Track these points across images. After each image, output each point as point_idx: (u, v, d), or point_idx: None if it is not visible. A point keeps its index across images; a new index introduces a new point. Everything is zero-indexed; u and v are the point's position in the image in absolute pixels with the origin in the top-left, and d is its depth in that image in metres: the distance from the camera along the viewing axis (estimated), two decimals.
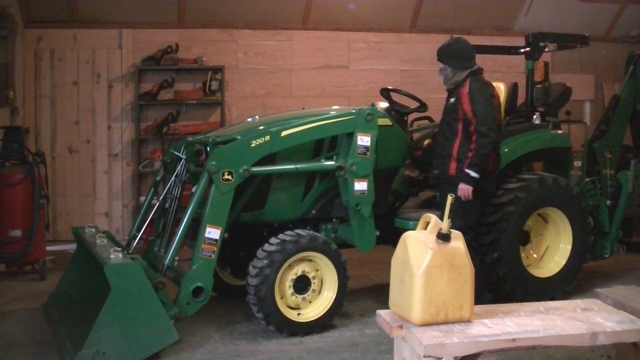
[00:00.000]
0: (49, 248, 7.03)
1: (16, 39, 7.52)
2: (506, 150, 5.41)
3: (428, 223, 3.19)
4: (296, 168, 4.96)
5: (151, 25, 8.38)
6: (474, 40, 5.31)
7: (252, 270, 4.66)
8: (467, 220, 4.91)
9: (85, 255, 5.07)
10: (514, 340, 2.96)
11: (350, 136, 4.98)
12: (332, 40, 8.97)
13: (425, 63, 8.96)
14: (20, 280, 6.41)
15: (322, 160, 5.12)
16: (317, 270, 4.86)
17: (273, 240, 4.73)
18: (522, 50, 6.04)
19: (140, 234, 5.33)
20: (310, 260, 4.83)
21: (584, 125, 6.85)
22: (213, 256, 4.53)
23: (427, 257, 3.06)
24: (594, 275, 6.55)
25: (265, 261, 4.63)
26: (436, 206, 5.50)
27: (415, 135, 5.82)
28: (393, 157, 5.35)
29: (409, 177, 5.51)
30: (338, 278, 4.85)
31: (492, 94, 5.02)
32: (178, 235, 4.58)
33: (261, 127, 4.95)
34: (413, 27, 9.23)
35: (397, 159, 5.40)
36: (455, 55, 5.02)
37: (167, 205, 5.36)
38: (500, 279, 5.30)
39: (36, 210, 6.36)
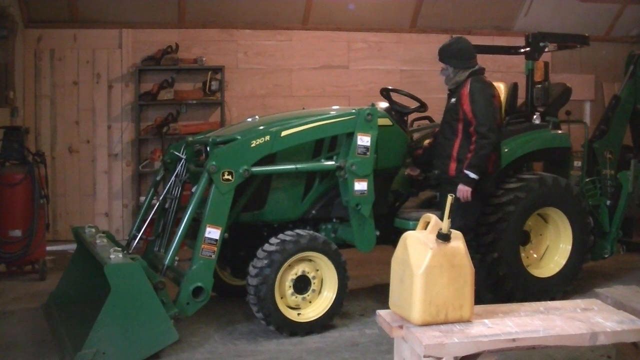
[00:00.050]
0: (49, 248, 7.03)
1: (16, 39, 7.52)
2: (506, 150, 5.41)
3: (428, 223, 3.19)
4: (296, 168, 4.96)
5: (151, 25, 8.38)
6: (474, 40, 5.31)
7: (252, 270, 4.66)
8: (467, 220, 4.91)
9: (85, 255, 5.07)
10: (514, 340, 2.96)
11: (350, 136, 4.98)
12: (332, 40, 8.97)
13: (425, 63, 8.97)
14: (20, 280, 6.41)
15: (322, 160, 5.12)
16: (317, 270, 4.86)
17: (273, 240, 4.73)
18: (522, 50, 6.04)
19: (140, 234, 5.33)
20: (310, 260, 4.83)
21: (584, 125, 6.85)
22: (213, 256, 4.53)
23: (427, 257, 3.06)
24: (594, 275, 6.55)
25: (265, 261, 4.63)
26: (436, 206, 5.50)
27: (415, 135, 5.82)
28: (393, 157, 5.35)
29: (409, 175, 5.50)
30: (338, 278, 4.85)
31: (493, 94, 5.01)
32: (178, 235, 4.58)
33: (261, 127, 4.95)
34: (413, 27, 9.23)
35: (397, 159, 5.40)
36: (455, 55, 5.02)
37: (167, 205, 5.36)
38: (500, 279, 5.30)
39: (36, 210, 6.36)
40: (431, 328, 3.02)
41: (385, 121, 5.25)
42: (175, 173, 5.30)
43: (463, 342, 2.90)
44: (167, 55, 8.18)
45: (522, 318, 3.22)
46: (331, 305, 4.85)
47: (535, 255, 5.75)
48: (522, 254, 5.50)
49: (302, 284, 4.80)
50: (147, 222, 5.37)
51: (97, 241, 4.86)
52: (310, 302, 4.86)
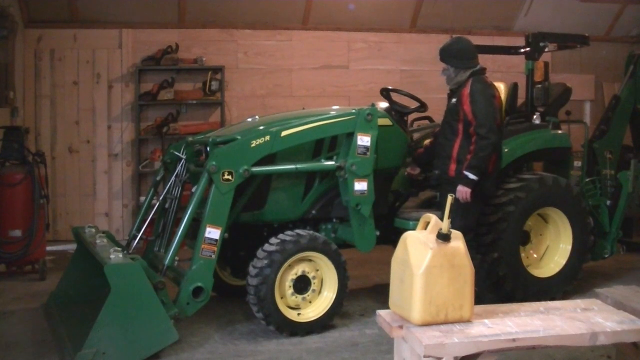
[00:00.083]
0: (49, 248, 7.03)
1: (16, 39, 7.52)
2: (506, 150, 5.41)
3: (428, 223, 3.19)
4: (296, 168, 4.96)
5: (151, 25, 8.38)
6: (474, 40, 5.30)
7: (252, 270, 4.66)
8: (467, 220, 4.90)
9: (85, 255, 5.07)
10: (514, 340, 2.96)
11: (350, 136, 4.98)
12: (332, 40, 8.97)
13: (425, 63, 8.97)
14: (20, 280, 6.41)
15: (322, 160, 5.12)
16: (317, 270, 4.86)
17: (273, 240, 4.73)
18: (522, 50, 6.04)
19: (140, 234, 5.33)
20: (310, 260, 4.83)
21: (584, 125, 6.85)
22: (213, 256, 4.53)
23: (427, 257, 3.05)
24: (594, 275, 6.54)
25: (265, 261, 4.63)
26: (436, 206, 5.50)
27: (415, 135, 5.82)
28: (393, 157, 5.35)
29: (410, 174, 5.50)
30: (338, 278, 4.85)
31: (494, 94, 4.99)
32: (178, 235, 4.58)
33: (261, 127, 4.95)
34: (413, 27, 9.23)
35: (397, 159, 5.40)
36: (456, 55, 5.01)
37: (167, 205, 5.36)
38: (500, 279, 5.30)
39: (36, 210, 6.36)
40: (431, 328, 3.02)
41: (385, 121, 5.25)
42: (175, 173, 5.30)
43: (463, 342, 2.90)
44: (167, 55, 8.18)
45: (522, 318, 3.22)
46: (331, 305, 4.85)
47: (535, 255, 5.74)
48: (522, 254, 5.50)
49: (302, 284, 4.80)
50: (147, 222, 5.37)
51: (97, 241, 4.86)
52: (310, 302, 4.86)
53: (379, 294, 5.87)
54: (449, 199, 3.22)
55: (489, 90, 4.97)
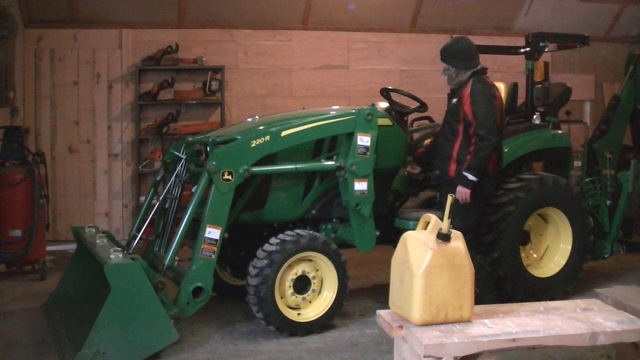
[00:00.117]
0: (49, 248, 7.03)
1: (16, 39, 7.52)
2: (506, 150, 5.41)
3: (428, 223, 3.19)
4: (296, 168, 4.96)
5: (151, 25, 8.38)
6: (474, 40, 5.30)
7: (252, 270, 4.66)
8: (467, 221, 4.89)
9: (85, 255, 5.07)
10: (514, 340, 2.96)
11: (350, 136, 4.98)
12: (332, 40, 8.97)
13: (425, 63, 8.97)
14: (20, 280, 6.41)
15: (322, 160, 5.12)
16: (317, 270, 4.86)
17: (273, 240, 4.73)
18: (522, 50, 6.04)
19: (140, 234, 5.33)
20: (310, 260, 4.83)
21: (584, 125, 6.85)
22: (213, 256, 4.53)
23: (427, 257, 3.05)
24: (594, 275, 6.54)
25: (265, 261, 4.63)
26: (436, 206, 5.50)
27: (415, 135, 5.82)
28: (393, 157, 5.34)
29: (410, 173, 5.50)
30: (338, 278, 4.85)
31: (494, 95, 4.97)
32: (178, 235, 4.58)
33: (261, 127, 4.95)
34: (413, 27, 9.23)
35: (397, 159, 5.40)
36: (456, 55, 5.00)
37: (167, 205, 5.36)
38: (500, 279, 5.30)
39: (36, 210, 6.36)
40: (431, 328, 3.02)
41: (385, 121, 5.24)
42: (175, 173, 5.30)
43: (463, 342, 2.90)
44: (167, 55, 8.18)
45: (522, 318, 3.22)
46: (331, 305, 4.85)
47: (535, 255, 5.75)
48: (522, 254, 5.50)
49: (302, 284, 4.80)
50: (147, 222, 5.37)
51: (97, 241, 4.86)
52: (310, 302, 4.86)
53: (379, 294, 5.87)
54: (449, 199, 3.22)
55: (490, 91, 4.95)
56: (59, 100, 8.18)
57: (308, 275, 4.82)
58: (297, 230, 4.86)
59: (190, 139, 5.45)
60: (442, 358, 2.87)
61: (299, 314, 4.82)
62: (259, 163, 4.77)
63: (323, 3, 8.68)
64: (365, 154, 4.96)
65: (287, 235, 4.75)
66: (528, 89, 5.93)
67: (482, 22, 9.37)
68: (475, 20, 9.31)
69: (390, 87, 5.70)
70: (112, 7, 8.20)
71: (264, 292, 4.59)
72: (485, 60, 5.11)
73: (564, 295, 5.47)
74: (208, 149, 4.98)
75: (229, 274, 5.79)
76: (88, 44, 8.21)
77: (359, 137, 4.95)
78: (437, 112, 6.12)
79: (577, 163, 6.55)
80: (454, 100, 5.05)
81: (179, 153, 5.34)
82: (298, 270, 4.78)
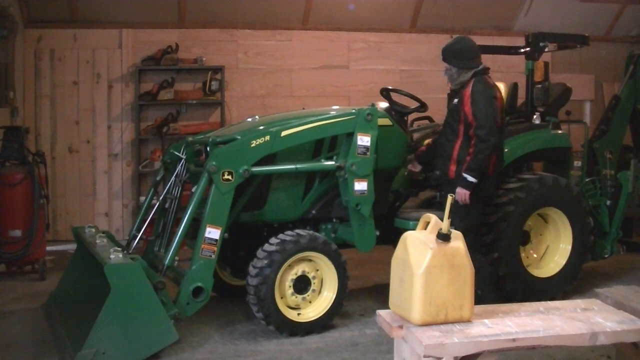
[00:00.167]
0: (49, 248, 7.03)
1: (16, 39, 7.52)
2: (506, 150, 5.40)
3: (428, 223, 3.18)
4: (296, 168, 4.96)
5: (151, 25, 8.38)
6: (473, 40, 5.30)
7: (252, 270, 4.66)
8: (467, 221, 4.88)
9: (85, 255, 5.07)
10: (514, 340, 2.96)
11: (350, 136, 4.98)
12: (332, 40, 8.97)
13: (425, 63, 8.97)
14: (20, 280, 6.41)
15: (322, 160, 5.11)
16: (317, 270, 4.86)
17: (273, 240, 4.73)
18: (522, 50, 6.04)
19: (140, 234, 5.33)
20: (310, 260, 4.83)
21: (584, 125, 6.85)
22: (213, 256, 4.53)
23: (427, 257, 3.05)
24: (594, 275, 6.54)
25: (265, 261, 4.63)
26: (436, 206, 5.50)
27: (415, 135, 5.82)
28: (393, 157, 5.34)
29: (411, 172, 5.49)
30: (338, 278, 4.85)
31: (495, 96, 4.93)
32: (178, 235, 4.58)
33: (261, 127, 4.95)
34: (413, 27, 9.23)
35: (397, 159, 5.40)
36: (457, 55, 4.98)
37: (167, 205, 5.36)
38: (500, 279, 5.30)
39: (36, 210, 6.36)
40: (431, 328, 3.02)
41: (385, 121, 5.24)
42: (175, 173, 5.30)
43: (463, 342, 2.90)
44: (167, 55, 8.18)
45: (522, 318, 3.22)
46: (331, 305, 4.85)
47: (535, 255, 5.75)
48: (522, 254, 5.50)
49: (302, 284, 4.80)
50: (147, 222, 5.37)
51: (97, 241, 4.86)
52: (310, 302, 4.86)
53: (379, 294, 5.87)
54: (449, 199, 3.22)
55: (490, 91, 4.92)
56: (59, 100, 8.19)
57: (308, 275, 4.82)
58: (297, 230, 4.86)
59: (190, 139, 5.45)
60: (442, 358, 2.87)
61: (299, 314, 4.81)
62: (259, 163, 4.77)
63: (323, 3, 8.68)
64: (365, 154, 4.96)
65: (287, 235, 4.75)
66: (528, 89, 5.93)
67: (482, 22, 9.37)
68: (475, 20, 9.31)
69: (390, 87, 5.70)
70: (112, 7, 8.20)
71: (264, 292, 4.59)
72: (485, 60, 5.11)
73: (564, 295, 5.47)
74: (208, 149, 4.98)
75: (229, 274, 5.79)
76: (88, 44, 8.21)
77: (359, 137, 4.95)
78: (437, 112, 6.13)
79: (577, 163, 6.55)
80: (455, 100, 5.04)
81: (179, 153, 5.34)
82: (298, 270, 4.78)
